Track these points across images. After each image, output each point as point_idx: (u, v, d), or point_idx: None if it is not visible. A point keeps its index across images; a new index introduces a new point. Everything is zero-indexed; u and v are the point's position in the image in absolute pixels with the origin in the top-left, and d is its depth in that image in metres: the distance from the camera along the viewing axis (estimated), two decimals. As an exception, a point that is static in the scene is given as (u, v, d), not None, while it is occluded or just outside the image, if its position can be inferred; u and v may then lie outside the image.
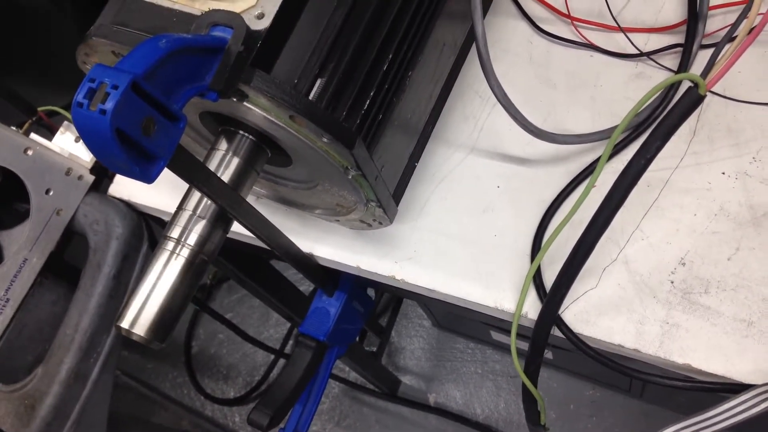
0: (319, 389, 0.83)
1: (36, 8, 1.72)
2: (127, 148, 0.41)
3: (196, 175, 0.51)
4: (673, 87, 0.67)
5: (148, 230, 0.84)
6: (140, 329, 0.54)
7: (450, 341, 1.69)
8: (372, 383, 1.61)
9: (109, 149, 0.41)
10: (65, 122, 0.81)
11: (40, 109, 0.85)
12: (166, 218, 0.81)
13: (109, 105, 0.39)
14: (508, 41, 0.76)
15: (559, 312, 0.61)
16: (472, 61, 0.75)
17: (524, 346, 0.61)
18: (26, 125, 0.80)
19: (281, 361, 1.74)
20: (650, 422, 1.47)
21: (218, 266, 1.01)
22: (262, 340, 1.76)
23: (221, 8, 0.50)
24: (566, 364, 1.51)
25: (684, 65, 0.67)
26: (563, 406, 1.56)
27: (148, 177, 0.45)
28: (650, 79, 0.70)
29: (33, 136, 0.77)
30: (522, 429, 1.55)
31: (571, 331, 0.62)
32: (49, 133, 0.86)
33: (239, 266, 0.98)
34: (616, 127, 0.66)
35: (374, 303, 1.61)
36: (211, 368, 1.83)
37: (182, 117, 0.45)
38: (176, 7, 0.51)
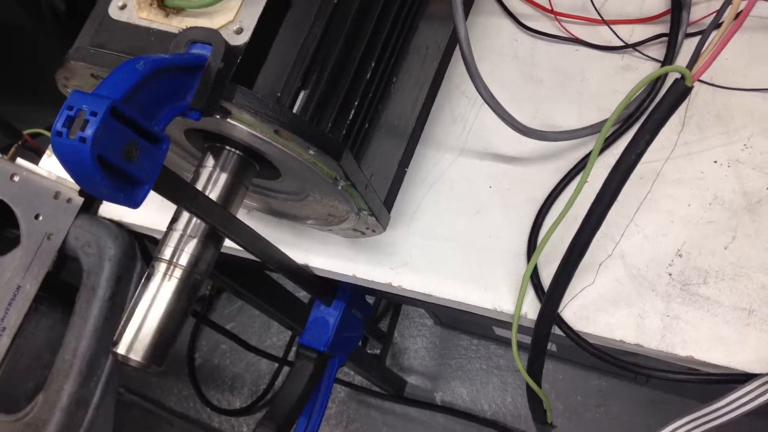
0: (323, 399, 0.83)
1: (16, 26, 1.71)
2: (110, 175, 0.41)
3: (183, 195, 0.50)
4: (659, 79, 0.67)
5: (141, 249, 0.83)
6: (137, 355, 0.54)
7: (453, 339, 1.69)
8: (377, 385, 1.60)
9: (92, 177, 0.40)
10: (50, 145, 0.81)
11: (25, 132, 0.85)
12: (158, 236, 0.80)
13: (88, 132, 0.39)
14: (492, 40, 0.75)
15: (559, 310, 0.61)
16: (457, 62, 0.74)
17: (527, 338, 0.61)
18: (12, 150, 0.79)
19: (285, 369, 1.74)
20: (657, 409, 1.47)
21: (213, 279, 1.00)
22: (265, 348, 1.76)
23: (199, 25, 0.49)
24: (571, 355, 1.51)
25: (670, 56, 0.67)
26: (570, 397, 1.56)
27: (134, 202, 0.44)
28: (636, 70, 0.70)
29: (19, 160, 0.76)
30: (530, 422, 1.55)
31: (571, 329, 0.61)
32: (36, 155, 0.85)
33: (234, 278, 0.97)
34: (605, 121, 0.66)
35: (373, 308, 1.61)
36: (216, 379, 1.82)
37: (165, 138, 0.45)
38: (153, 26, 0.51)
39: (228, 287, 1.01)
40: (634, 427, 1.50)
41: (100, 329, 0.76)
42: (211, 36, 0.48)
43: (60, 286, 0.82)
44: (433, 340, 1.70)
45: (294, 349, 1.74)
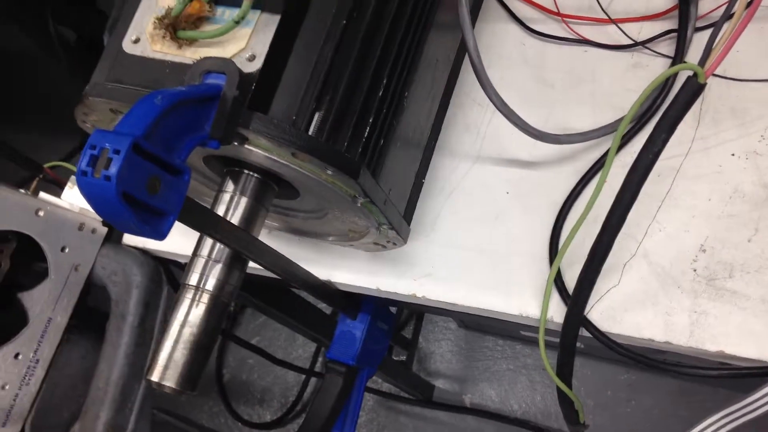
0: (354, 411, 0.83)
1: (26, 55, 1.74)
2: (135, 210, 0.42)
3: (207, 223, 0.51)
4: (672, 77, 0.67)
5: (166, 273, 0.84)
6: (171, 381, 0.54)
7: (478, 340, 1.69)
8: (406, 391, 1.60)
9: (118, 213, 0.41)
10: (72, 176, 0.82)
11: (45, 165, 0.86)
12: (183, 260, 0.81)
13: (112, 170, 0.39)
14: (501, 46, 0.76)
15: (585, 313, 0.61)
16: (468, 70, 0.75)
17: (555, 338, 0.61)
18: (34, 184, 0.80)
19: (313, 380, 1.74)
20: (688, 399, 1.46)
21: (237, 298, 1.01)
22: (292, 360, 1.77)
23: (212, 55, 0.50)
24: (598, 351, 1.50)
25: (680, 51, 0.67)
26: (600, 393, 1.55)
27: (160, 234, 0.45)
28: (647, 68, 0.70)
29: (42, 195, 0.77)
30: (561, 419, 1.54)
31: (599, 330, 0.61)
32: (57, 187, 0.87)
33: (257, 295, 0.98)
34: (618, 121, 0.66)
35: (397, 317, 1.61)
36: (245, 394, 1.84)
37: (186, 170, 0.46)
38: (168, 58, 0.51)
39: (251, 304, 1.02)
40: (666, 419, 1.49)
41: (131, 356, 0.77)
42: (224, 65, 0.48)
43: (87, 312, 0.83)
44: (458, 343, 1.70)
45: (320, 359, 1.75)
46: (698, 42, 0.68)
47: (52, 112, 1.86)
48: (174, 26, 0.50)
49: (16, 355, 0.73)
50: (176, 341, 0.55)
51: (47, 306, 0.75)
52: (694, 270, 0.61)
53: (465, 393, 1.65)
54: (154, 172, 0.42)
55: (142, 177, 0.41)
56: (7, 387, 0.73)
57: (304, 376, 1.75)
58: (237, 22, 0.49)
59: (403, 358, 1.57)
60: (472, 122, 0.74)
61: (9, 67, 1.74)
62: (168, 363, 0.55)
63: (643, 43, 0.70)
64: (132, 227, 0.43)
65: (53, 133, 1.67)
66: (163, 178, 0.43)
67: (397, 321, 1.67)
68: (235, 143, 0.50)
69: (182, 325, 0.56)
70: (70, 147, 1.43)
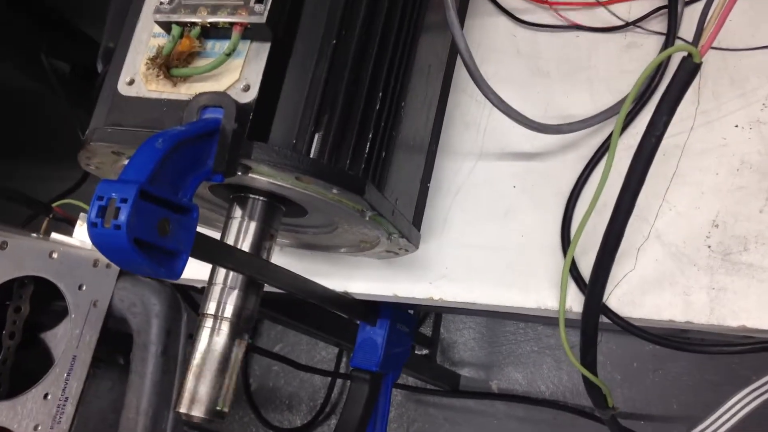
0: (383, 415, 0.84)
1: (23, 92, 1.75)
2: (148, 254, 0.42)
3: (219, 254, 0.52)
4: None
5: (185, 298, 0.85)
6: (199, 411, 0.55)
7: (499, 325, 1.69)
8: (432, 384, 1.61)
9: (132, 259, 0.42)
10: (81, 213, 0.83)
11: (54, 204, 0.87)
12: (199, 285, 0.82)
13: (122, 219, 0.40)
14: (492, 40, 0.75)
15: (603, 300, 0.61)
16: (462, 68, 0.74)
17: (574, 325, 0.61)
18: (44, 225, 0.81)
19: (339, 381, 1.75)
20: (715, 363, 1.46)
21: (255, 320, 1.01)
22: (315, 363, 1.78)
23: (207, 89, 0.50)
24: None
25: (672, 27, 0.66)
26: (626, 366, 1.55)
27: (175, 274, 0.45)
28: (642, 47, 0.69)
29: (54, 236, 0.78)
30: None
31: (619, 317, 0.61)
32: (68, 224, 0.88)
33: (274, 309, 0.98)
34: (618, 104, 0.66)
35: (416, 317, 1.62)
36: (273, 401, 1.85)
37: (194, 207, 0.46)
38: (164, 96, 0.52)
39: (269, 318, 1.03)
40: (695, 386, 1.49)
41: (158, 384, 0.78)
42: (220, 99, 0.49)
43: (110, 340, 0.84)
44: (479, 330, 1.70)
45: (344, 359, 1.75)
46: (690, 15, 0.68)
47: (54, 144, 1.88)
48: (167, 65, 0.50)
49: (45, 396, 0.74)
50: (201, 371, 0.56)
51: (70, 344, 0.76)
52: (709, 246, 0.61)
53: (491, 379, 1.65)
54: (163, 215, 0.43)
55: (151, 221, 0.42)
56: (39, 428, 0.74)
57: (329, 378, 1.76)
58: (228, 55, 0.49)
59: (426, 351, 1.57)
60: (472, 119, 0.73)
61: (8, 106, 1.75)
62: (195, 394, 0.55)
63: (635, 23, 0.69)
64: (147, 271, 0.43)
65: (58, 164, 1.68)
66: (172, 219, 0.44)
67: (418, 322, 1.67)
68: (239, 173, 0.51)
69: (205, 355, 0.57)
70: (76, 176, 1.44)
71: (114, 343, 0.83)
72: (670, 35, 0.67)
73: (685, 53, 0.51)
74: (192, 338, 0.58)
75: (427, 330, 1.66)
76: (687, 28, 0.68)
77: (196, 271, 0.77)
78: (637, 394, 1.52)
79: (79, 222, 0.82)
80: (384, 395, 0.83)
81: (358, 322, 0.82)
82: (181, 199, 0.45)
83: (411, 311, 0.87)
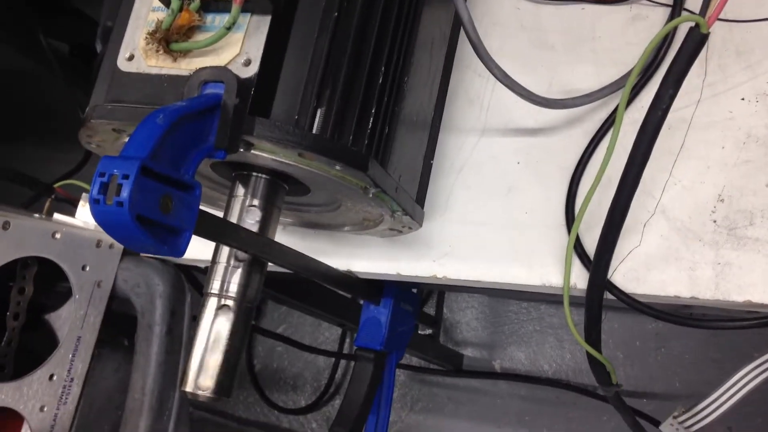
0: (387, 394, 0.84)
1: (22, 73, 1.74)
2: (151, 231, 0.42)
3: (223, 233, 0.51)
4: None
5: (189, 278, 0.85)
6: (205, 390, 0.55)
7: (502, 305, 1.69)
8: (435, 363, 1.62)
9: (135, 236, 0.41)
10: (83, 194, 0.82)
11: (56, 185, 0.86)
12: (202, 265, 0.81)
13: (124, 195, 0.40)
14: (495, 13, 0.74)
15: (608, 277, 0.61)
16: (465, 42, 0.73)
17: (578, 302, 0.61)
18: (47, 206, 0.81)
19: (343, 362, 1.76)
20: (718, 342, 1.46)
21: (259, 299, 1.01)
22: (320, 344, 1.78)
23: (207, 64, 0.50)
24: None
25: (679, -1, 0.65)
26: (629, 344, 1.55)
27: (179, 251, 0.45)
28: (647, 18, 0.68)
29: (57, 216, 0.78)
30: (592, 375, 1.54)
31: (623, 293, 0.61)
32: (70, 205, 0.87)
33: (278, 289, 0.98)
34: (623, 78, 0.65)
35: (420, 296, 1.62)
36: (278, 381, 1.86)
37: (197, 184, 0.46)
38: (164, 71, 0.51)
39: (273, 298, 1.03)
40: (698, 364, 1.49)
41: (163, 365, 0.78)
42: (221, 74, 0.48)
43: (115, 321, 0.84)
44: (482, 310, 1.70)
45: (348, 339, 1.76)
46: (696, -13, 0.67)
47: (54, 125, 1.87)
48: (166, 39, 0.49)
49: (51, 377, 0.74)
50: (205, 350, 0.56)
51: (75, 325, 0.76)
52: (714, 221, 0.60)
53: (494, 359, 1.66)
54: (165, 191, 0.42)
55: (153, 198, 0.42)
56: (45, 408, 0.74)
57: (333, 359, 1.77)
58: (228, 29, 0.48)
59: (430, 331, 1.57)
60: (475, 95, 0.73)
61: (8, 88, 1.74)
62: (200, 372, 0.55)
63: (640, -5, 0.69)
64: (150, 248, 0.43)
65: (59, 145, 1.67)
66: (175, 196, 0.43)
67: (421, 300, 1.67)
68: (241, 150, 0.50)
69: (210, 333, 0.56)
70: (78, 158, 1.44)
71: (118, 324, 0.83)
72: (677, 6, 0.66)
73: (692, 23, 0.50)
74: (196, 319, 0.58)
75: (430, 310, 1.66)
76: (693, 0, 0.67)
77: (199, 251, 0.77)
78: (640, 372, 1.53)
79: (81, 202, 0.81)
80: (388, 374, 0.83)
81: (362, 301, 0.82)
82: (183, 175, 0.44)
83: (414, 290, 0.87)
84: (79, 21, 1.47)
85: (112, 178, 0.40)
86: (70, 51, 1.53)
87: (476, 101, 0.72)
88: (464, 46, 0.74)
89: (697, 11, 0.66)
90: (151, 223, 0.42)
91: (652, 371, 1.52)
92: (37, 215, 0.75)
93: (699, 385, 1.49)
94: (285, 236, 0.75)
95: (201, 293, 0.59)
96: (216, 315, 0.57)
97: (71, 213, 0.82)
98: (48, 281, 0.77)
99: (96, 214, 0.41)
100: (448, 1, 0.59)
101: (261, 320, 1.88)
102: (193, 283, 0.86)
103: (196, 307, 0.74)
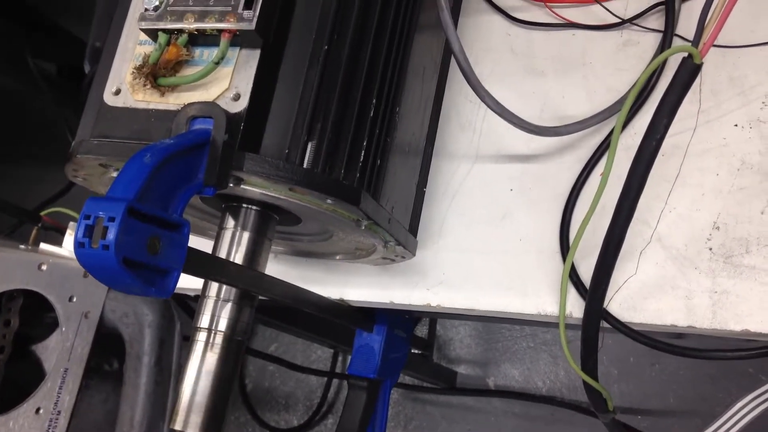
0: (381, 420, 0.83)
1: (10, 94, 1.73)
2: (138, 273, 0.41)
3: (212, 269, 0.50)
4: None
5: (179, 304, 0.84)
6: (193, 427, 0.54)
7: (495, 322, 1.68)
8: (429, 381, 1.61)
9: (121, 280, 0.40)
10: (71, 223, 0.81)
11: (43, 213, 0.85)
12: (192, 293, 0.80)
13: (110, 238, 0.39)
14: (486, 39, 0.74)
15: (604, 305, 0.60)
16: (456, 68, 0.73)
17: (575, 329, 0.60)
18: (33, 235, 0.79)
19: (336, 381, 1.75)
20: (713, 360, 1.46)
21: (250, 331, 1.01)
22: (312, 362, 1.77)
23: (195, 99, 0.49)
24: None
25: (670, 24, 0.65)
26: (623, 361, 1.54)
27: (166, 292, 0.44)
28: (638, 44, 0.68)
29: (43, 246, 0.77)
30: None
31: (620, 322, 0.60)
32: (57, 232, 0.86)
33: (268, 314, 0.97)
34: (615, 104, 0.65)
35: (414, 322, 1.61)
36: (269, 401, 1.84)
37: (185, 223, 0.45)
38: (151, 106, 0.50)
39: (263, 323, 1.02)
40: (693, 380, 1.49)
41: (152, 395, 0.76)
42: (210, 109, 0.47)
43: (103, 342, 0.82)
44: (475, 327, 1.69)
45: (341, 358, 1.75)
46: (687, 12, 0.67)
47: (42, 145, 1.85)
48: (153, 74, 0.48)
49: (37, 410, 0.73)
50: (194, 387, 0.55)
51: (62, 356, 0.74)
52: (710, 249, 0.60)
53: (488, 376, 1.65)
54: (153, 232, 0.41)
55: (140, 239, 0.40)
56: (32, 443, 0.72)
57: (326, 378, 1.75)
58: (217, 63, 0.48)
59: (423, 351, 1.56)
60: (467, 120, 0.72)
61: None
62: (189, 410, 0.54)
63: (631, 20, 0.68)
64: (137, 290, 0.42)
65: (47, 167, 1.66)
66: (163, 236, 0.42)
67: (414, 325, 1.66)
68: (231, 185, 0.49)
69: (199, 370, 0.55)
70: (65, 180, 1.43)
71: (108, 346, 0.82)
72: (668, 32, 0.65)
73: (685, 54, 0.50)
74: (188, 340, 0.57)
75: (423, 328, 1.65)
76: (684, 25, 0.67)
77: (189, 280, 0.76)
78: (635, 389, 1.52)
79: (68, 231, 0.80)
80: (382, 401, 0.82)
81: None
82: (171, 215, 0.44)
83: (408, 315, 0.86)
84: (67, 41, 1.46)
85: (97, 220, 0.39)
86: (58, 71, 1.51)
87: (468, 127, 0.72)
88: (456, 72, 0.74)
89: (688, 36, 0.66)
90: (139, 265, 0.41)
91: (647, 387, 1.52)
92: (22, 246, 0.73)
93: (694, 401, 1.49)
94: (277, 264, 0.74)
95: (191, 316, 0.58)
96: (205, 350, 0.56)
97: (58, 240, 0.81)
98: (34, 312, 0.76)
99: (81, 257, 0.40)
100: (439, 28, 0.58)
101: (252, 340, 1.86)
102: (183, 307, 0.85)
103: (187, 329, 0.73)
